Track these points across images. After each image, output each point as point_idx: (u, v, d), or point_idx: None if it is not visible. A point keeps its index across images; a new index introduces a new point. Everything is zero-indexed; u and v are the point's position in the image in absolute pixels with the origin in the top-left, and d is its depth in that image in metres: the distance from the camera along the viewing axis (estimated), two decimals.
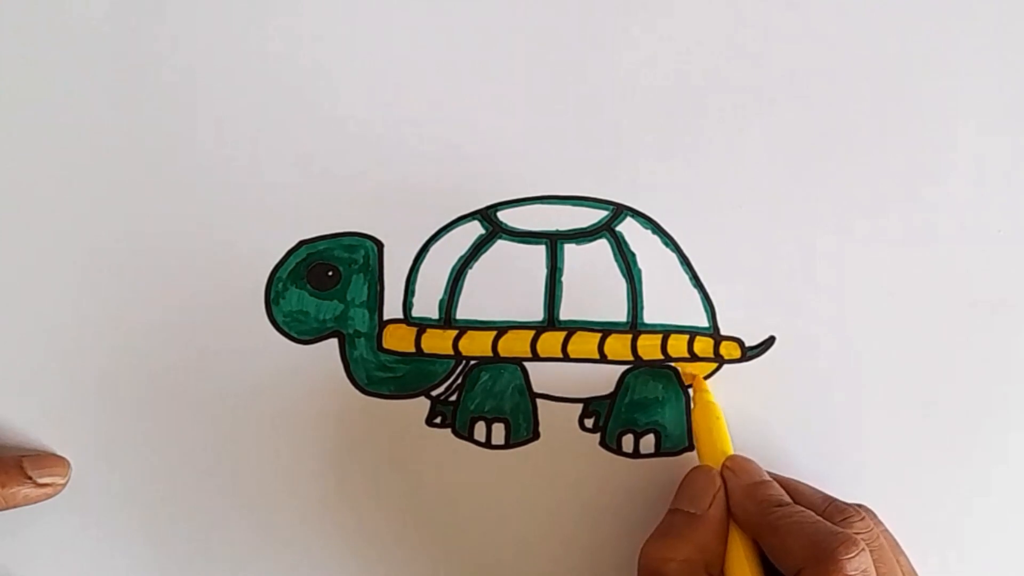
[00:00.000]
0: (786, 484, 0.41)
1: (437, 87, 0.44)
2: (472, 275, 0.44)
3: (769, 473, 0.41)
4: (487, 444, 0.44)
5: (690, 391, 0.43)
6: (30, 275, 0.43)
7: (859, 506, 0.41)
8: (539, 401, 0.44)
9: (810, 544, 0.36)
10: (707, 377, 0.44)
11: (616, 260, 0.44)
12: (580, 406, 0.44)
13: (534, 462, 0.44)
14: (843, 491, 0.43)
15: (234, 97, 0.43)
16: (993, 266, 0.44)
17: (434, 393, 0.44)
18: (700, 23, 0.44)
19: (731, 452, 0.41)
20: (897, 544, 0.40)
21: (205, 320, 0.43)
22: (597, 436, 0.44)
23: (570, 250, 0.44)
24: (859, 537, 0.37)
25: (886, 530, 0.41)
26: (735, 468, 0.40)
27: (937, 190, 0.44)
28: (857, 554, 0.36)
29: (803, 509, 0.39)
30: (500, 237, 0.44)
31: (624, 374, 0.44)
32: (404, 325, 0.44)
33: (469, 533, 0.44)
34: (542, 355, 0.43)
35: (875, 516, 0.41)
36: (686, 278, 0.44)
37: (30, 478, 0.42)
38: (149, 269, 0.43)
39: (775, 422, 0.44)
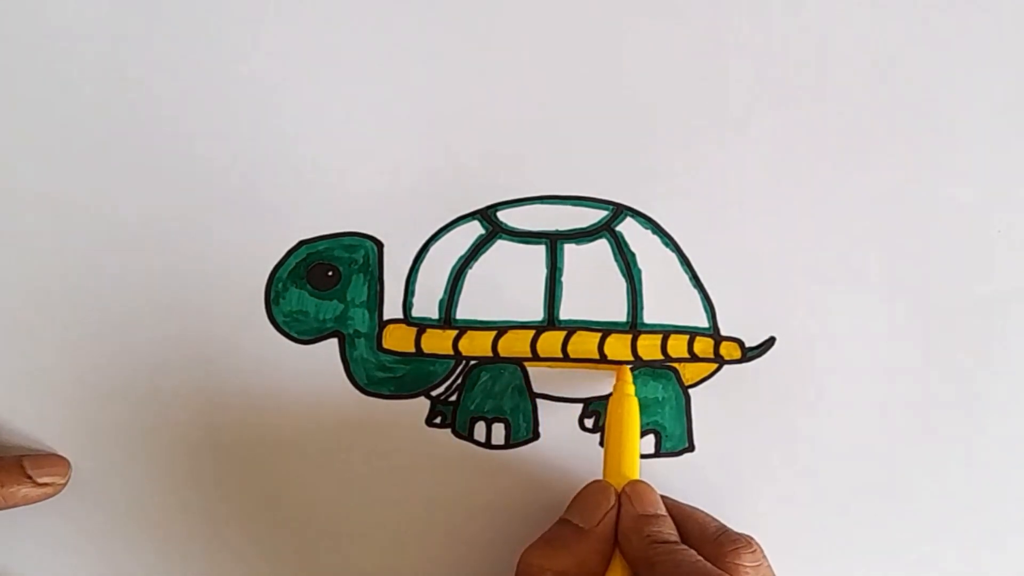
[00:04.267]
0: (681, 512, 0.41)
1: (437, 87, 0.43)
2: (472, 275, 0.44)
3: (667, 499, 0.41)
4: (487, 444, 0.44)
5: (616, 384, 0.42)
6: (30, 275, 0.43)
7: (749, 538, 0.41)
8: (539, 401, 0.44)
9: None
10: (707, 378, 0.44)
11: (616, 260, 0.44)
12: (580, 406, 0.44)
13: (534, 462, 0.44)
14: (841, 490, 0.43)
15: (234, 97, 0.43)
16: (993, 266, 0.44)
17: (434, 393, 0.44)
18: (699, 24, 0.44)
19: (636, 474, 0.41)
20: None
21: (205, 320, 0.43)
22: (597, 436, 0.44)
23: (570, 250, 0.44)
24: (747, 568, 0.37)
25: (769, 566, 0.40)
26: (632, 495, 0.40)
27: (937, 190, 0.44)
28: None
29: (685, 548, 0.38)
30: (500, 237, 0.44)
31: None
32: (404, 325, 0.44)
33: (469, 533, 0.43)
34: (542, 355, 0.43)
35: (762, 551, 0.41)
36: (686, 278, 0.44)
37: (30, 478, 0.42)
38: (149, 269, 0.43)
39: (774, 423, 0.44)
